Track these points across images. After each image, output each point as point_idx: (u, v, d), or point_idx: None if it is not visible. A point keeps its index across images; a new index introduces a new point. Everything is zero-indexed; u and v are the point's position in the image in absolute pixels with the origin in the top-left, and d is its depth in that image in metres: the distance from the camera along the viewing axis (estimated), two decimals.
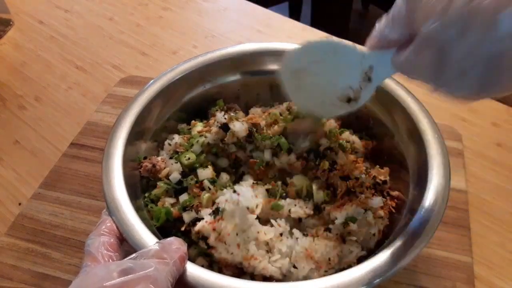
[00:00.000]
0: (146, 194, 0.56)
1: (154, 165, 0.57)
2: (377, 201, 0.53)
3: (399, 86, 0.60)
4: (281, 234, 0.50)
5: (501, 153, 0.73)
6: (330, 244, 0.50)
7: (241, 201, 0.50)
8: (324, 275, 0.44)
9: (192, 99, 0.66)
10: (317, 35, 1.00)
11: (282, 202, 0.53)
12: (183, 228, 0.52)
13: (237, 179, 0.59)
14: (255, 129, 0.60)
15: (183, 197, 0.55)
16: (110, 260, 0.41)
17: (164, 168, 0.58)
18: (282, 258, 0.49)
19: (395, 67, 0.43)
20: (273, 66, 0.68)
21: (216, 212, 0.51)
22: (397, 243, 0.45)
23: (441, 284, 0.56)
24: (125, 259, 0.40)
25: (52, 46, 1.00)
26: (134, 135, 0.57)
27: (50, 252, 0.61)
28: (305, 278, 0.48)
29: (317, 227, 0.52)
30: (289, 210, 0.53)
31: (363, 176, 0.56)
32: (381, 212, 0.53)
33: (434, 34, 0.35)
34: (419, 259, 0.58)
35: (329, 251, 0.49)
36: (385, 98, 0.60)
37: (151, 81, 0.62)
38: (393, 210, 0.54)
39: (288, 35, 1.01)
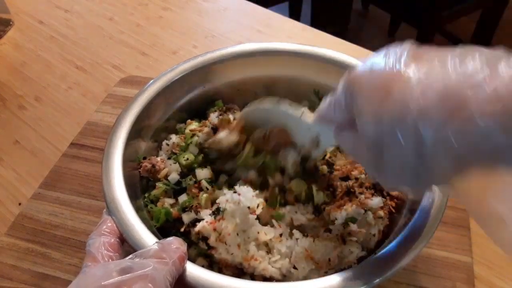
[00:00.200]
0: (146, 194, 0.56)
1: (153, 166, 0.57)
2: (377, 201, 0.53)
3: None
4: (280, 235, 0.50)
5: None
6: (330, 244, 0.50)
7: (242, 201, 0.49)
8: (324, 276, 0.44)
9: (192, 99, 0.66)
10: (317, 35, 1.00)
11: (282, 210, 0.52)
12: (182, 229, 0.52)
13: (235, 179, 0.59)
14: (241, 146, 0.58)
15: (182, 198, 0.55)
16: (110, 260, 0.41)
17: (164, 168, 0.58)
18: (281, 258, 0.49)
19: (337, 142, 0.44)
20: (272, 67, 0.68)
21: (217, 212, 0.51)
22: (397, 243, 0.45)
23: (441, 284, 0.56)
24: (124, 258, 0.40)
25: (52, 46, 1.00)
26: (134, 135, 0.57)
27: (50, 252, 0.61)
28: (305, 278, 0.48)
29: (317, 228, 0.52)
30: (291, 218, 0.52)
31: (363, 176, 0.56)
32: (381, 212, 0.53)
33: (371, 137, 0.35)
34: (419, 259, 0.58)
35: (329, 252, 0.49)
36: None
37: (151, 81, 0.62)
38: (393, 210, 0.54)
39: (288, 35, 1.01)
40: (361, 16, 2.60)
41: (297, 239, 0.50)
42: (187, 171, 0.58)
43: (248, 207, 0.49)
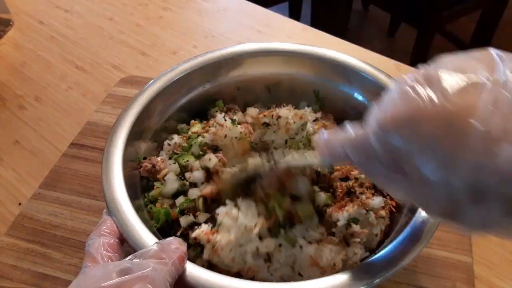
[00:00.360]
0: (146, 195, 0.56)
1: (153, 166, 0.57)
2: (378, 201, 0.53)
3: None
4: (280, 245, 0.50)
5: None
6: (334, 248, 0.49)
7: (240, 218, 0.48)
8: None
9: (192, 99, 0.66)
10: (317, 35, 1.00)
11: (292, 233, 0.51)
12: (178, 233, 0.52)
13: None
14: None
15: (180, 200, 0.55)
16: (109, 261, 0.41)
17: (164, 168, 0.58)
18: (282, 267, 0.49)
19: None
20: (272, 67, 0.68)
21: (214, 222, 0.51)
22: (397, 243, 0.45)
23: (441, 284, 0.56)
24: (124, 259, 0.40)
25: (52, 46, 1.00)
26: (134, 135, 0.57)
27: (50, 252, 0.61)
28: None
29: (322, 233, 0.52)
30: (304, 237, 0.51)
31: (362, 176, 0.56)
32: (383, 212, 0.53)
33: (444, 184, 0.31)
34: (419, 259, 0.58)
35: (334, 256, 0.49)
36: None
37: (151, 81, 0.62)
38: (394, 210, 0.54)
39: (288, 35, 1.01)
40: (361, 16, 2.60)
41: (301, 247, 0.50)
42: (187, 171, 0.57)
43: (245, 226, 0.48)
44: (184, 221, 0.53)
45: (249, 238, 0.48)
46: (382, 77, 0.61)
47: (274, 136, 0.62)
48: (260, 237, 0.49)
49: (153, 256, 0.39)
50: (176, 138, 0.61)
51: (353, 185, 0.54)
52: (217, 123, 0.60)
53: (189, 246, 0.51)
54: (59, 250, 0.61)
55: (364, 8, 2.59)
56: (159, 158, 0.59)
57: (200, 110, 0.67)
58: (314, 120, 0.63)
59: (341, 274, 0.43)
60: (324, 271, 0.48)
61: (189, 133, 0.62)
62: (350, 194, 0.54)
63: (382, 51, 0.93)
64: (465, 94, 0.28)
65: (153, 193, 0.56)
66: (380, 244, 0.51)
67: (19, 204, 0.68)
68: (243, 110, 0.68)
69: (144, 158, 0.59)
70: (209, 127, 0.62)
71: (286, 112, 0.61)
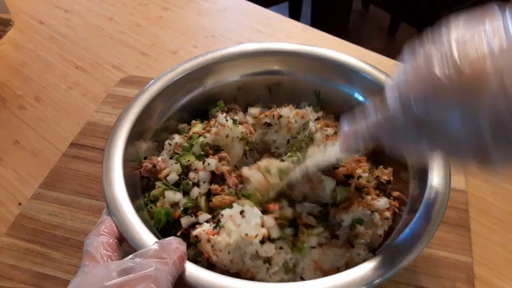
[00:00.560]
0: (146, 194, 0.56)
1: (154, 165, 0.57)
2: (383, 202, 0.52)
3: None
4: (281, 248, 0.50)
5: None
6: (338, 252, 0.49)
7: (243, 226, 0.48)
8: None
9: (192, 99, 0.66)
10: (317, 35, 1.00)
11: (304, 243, 0.50)
12: (179, 234, 0.52)
13: None
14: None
15: (182, 201, 0.55)
16: (109, 260, 0.41)
17: (165, 168, 0.58)
18: (281, 271, 0.49)
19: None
20: (273, 67, 0.68)
21: (216, 223, 0.51)
22: (398, 244, 0.45)
23: (441, 284, 0.56)
24: (125, 259, 0.39)
25: (52, 46, 1.00)
26: (135, 135, 0.57)
27: (50, 252, 0.61)
28: None
29: (325, 236, 0.52)
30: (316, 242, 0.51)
31: (366, 175, 0.56)
32: (387, 213, 0.53)
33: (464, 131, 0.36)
34: (419, 259, 0.58)
35: (338, 260, 0.49)
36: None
37: (152, 81, 0.62)
38: (397, 211, 0.54)
39: (288, 35, 1.01)
40: (361, 16, 2.60)
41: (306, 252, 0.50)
42: (188, 171, 0.57)
43: (246, 234, 0.48)
44: (185, 221, 0.53)
45: (249, 243, 0.48)
46: (382, 77, 0.61)
47: (275, 136, 0.62)
48: (262, 241, 0.49)
49: (154, 256, 0.39)
50: (177, 138, 0.61)
51: (359, 184, 0.54)
52: (218, 123, 0.60)
53: (189, 246, 0.51)
54: (59, 250, 0.61)
55: (364, 8, 2.59)
56: (159, 158, 0.59)
57: (201, 110, 0.67)
58: (315, 119, 0.63)
59: (341, 275, 0.43)
60: (326, 275, 0.48)
61: (190, 133, 0.62)
62: (360, 191, 0.54)
63: (382, 51, 0.93)
64: (475, 61, 0.33)
65: (155, 192, 0.56)
66: (381, 245, 0.51)
67: (19, 204, 0.68)
68: (244, 110, 0.68)
69: (145, 158, 0.59)
70: (211, 127, 0.61)
71: (287, 111, 0.61)
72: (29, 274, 0.58)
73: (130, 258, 0.39)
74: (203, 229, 0.50)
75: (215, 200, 0.54)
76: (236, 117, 0.63)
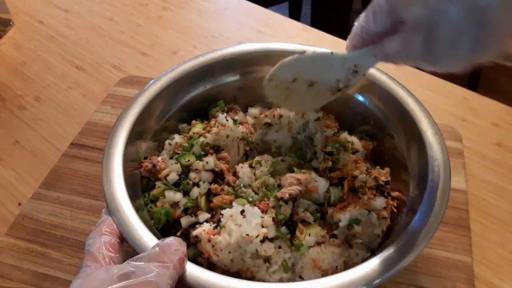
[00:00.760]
0: (146, 194, 0.56)
1: (154, 165, 0.57)
2: (380, 202, 0.53)
3: (399, 87, 0.60)
4: (279, 247, 0.50)
5: (501, 153, 0.73)
6: (336, 251, 0.49)
7: (244, 226, 0.48)
8: None
9: (192, 99, 0.66)
10: (317, 35, 1.00)
11: (302, 241, 0.50)
12: (178, 234, 0.52)
13: None
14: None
15: (183, 200, 0.55)
16: (111, 261, 0.41)
17: (165, 168, 0.58)
18: (280, 269, 0.49)
19: (381, 59, 0.46)
20: (272, 67, 0.68)
21: (217, 223, 0.51)
22: (398, 244, 0.45)
23: (441, 284, 0.56)
24: (126, 262, 0.39)
25: (52, 46, 1.00)
26: (135, 135, 0.57)
27: (50, 252, 0.61)
28: None
29: (324, 236, 0.51)
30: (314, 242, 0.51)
31: (363, 176, 0.56)
32: (385, 213, 0.53)
33: (421, 19, 0.37)
34: (419, 259, 0.58)
35: (336, 259, 0.49)
36: (386, 99, 0.60)
37: (152, 80, 0.62)
38: (395, 210, 0.54)
39: (288, 35, 1.01)
40: None
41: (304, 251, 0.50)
42: (188, 171, 0.57)
43: (247, 234, 0.48)
44: (185, 221, 0.53)
45: (249, 242, 0.48)
46: (383, 78, 0.61)
47: (276, 136, 0.62)
48: (261, 240, 0.49)
49: (154, 259, 0.39)
50: (177, 138, 0.62)
51: (354, 184, 0.54)
52: (219, 123, 0.60)
53: (189, 245, 0.51)
54: (59, 250, 0.61)
55: (364, 8, 2.59)
56: (159, 158, 0.59)
57: (201, 110, 0.67)
58: (315, 120, 0.63)
59: (342, 275, 0.43)
60: (325, 274, 0.48)
61: (191, 133, 0.62)
62: (355, 191, 0.54)
63: None
64: None
65: (155, 192, 0.56)
66: (381, 245, 0.51)
67: (19, 204, 0.68)
68: (244, 110, 0.68)
69: (145, 158, 0.59)
70: (211, 127, 0.62)
71: (287, 111, 0.61)
72: (29, 274, 0.58)
73: (131, 262, 0.39)
74: (203, 229, 0.50)
75: (216, 200, 0.54)
76: (236, 117, 0.63)
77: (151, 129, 0.61)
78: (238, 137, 0.61)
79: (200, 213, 0.53)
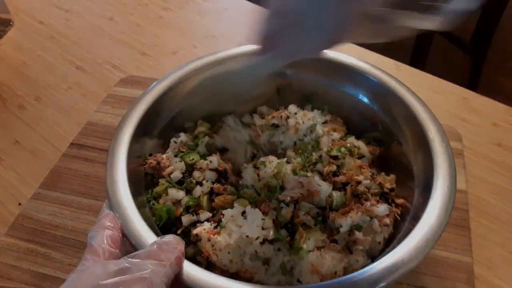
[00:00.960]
0: (149, 191, 0.56)
1: (158, 163, 0.57)
2: (383, 208, 0.52)
3: (408, 92, 0.59)
4: (279, 249, 0.50)
5: (501, 153, 0.73)
6: (336, 256, 0.49)
7: (244, 227, 0.48)
8: None
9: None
10: None
11: (303, 246, 0.50)
12: (179, 232, 0.52)
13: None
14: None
15: (185, 199, 0.55)
16: (110, 257, 0.41)
17: (169, 166, 0.58)
18: (279, 272, 0.49)
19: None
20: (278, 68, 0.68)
21: (218, 222, 0.50)
22: (400, 250, 0.44)
23: (441, 284, 0.56)
24: (122, 258, 0.40)
25: (52, 46, 1.00)
26: (141, 132, 0.57)
27: (50, 252, 0.61)
28: None
29: (323, 239, 0.51)
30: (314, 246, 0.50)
31: (368, 181, 0.55)
32: (387, 220, 0.52)
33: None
34: None
35: (336, 264, 0.49)
36: (394, 105, 0.59)
37: (159, 79, 0.62)
38: (398, 218, 0.53)
39: None
40: None
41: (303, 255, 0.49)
42: (192, 170, 0.58)
43: (247, 236, 0.48)
44: (186, 219, 0.53)
45: (249, 243, 0.48)
46: (392, 83, 0.61)
47: (282, 137, 0.62)
48: (261, 242, 0.49)
49: (151, 257, 0.39)
50: (182, 136, 0.61)
51: (356, 189, 0.54)
52: (226, 124, 0.60)
53: (189, 244, 0.51)
54: (59, 250, 0.61)
55: None
56: (164, 156, 0.59)
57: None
58: (323, 123, 0.63)
59: (345, 278, 0.42)
60: (324, 279, 0.48)
61: (196, 132, 0.62)
62: (357, 196, 0.54)
63: (382, 51, 0.93)
64: None
65: (158, 189, 0.56)
66: (382, 252, 0.51)
67: (19, 204, 0.68)
68: (251, 112, 0.68)
69: (150, 155, 0.59)
70: (218, 127, 0.61)
71: (294, 108, 0.61)
72: (29, 274, 0.58)
73: (128, 258, 0.39)
74: (204, 228, 0.50)
75: (218, 200, 0.54)
76: (243, 119, 0.63)
77: (158, 126, 0.61)
78: (245, 140, 0.61)
79: (201, 212, 0.53)
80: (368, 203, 0.52)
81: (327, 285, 0.42)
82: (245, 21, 1.05)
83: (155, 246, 0.41)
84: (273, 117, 0.63)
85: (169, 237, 0.43)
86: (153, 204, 0.54)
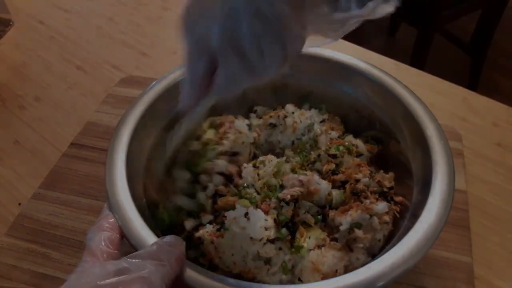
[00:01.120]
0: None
1: None
2: (382, 206, 0.52)
3: (406, 90, 0.59)
4: (280, 248, 0.49)
5: (501, 153, 0.73)
6: (337, 254, 0.49)
7: (248, 228, 0.48)
8: None
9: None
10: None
11: (304, 244, 0.50)
12: (182, 236, 0.52)
13: None
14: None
15: (186, 202, 0.55)
16: (109, 258, 0.41)
17: None
18: (280, 271, 0.49)
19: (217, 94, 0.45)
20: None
21: (220, 225, 0.50)
22: (399, 248, 0.44)
23: (441, 284, 0.56)
24: (122, 259, 0.39)
25: (52, 46, 1.00)
26: (141, 131, 0.57)
27: (50, 252, 0.61)
28: None
29: (323, 238, 0.51)
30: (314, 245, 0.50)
31: (366, 179, 0.55)
32: (387, 218, 0.52)
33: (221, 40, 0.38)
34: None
35: (336, 263, 0.49)
36: (392, 102, 0.59)
37: (158, 79, 0.62)
38: (398, 215, 0.53)
39: None
40: None
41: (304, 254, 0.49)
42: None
43: (251, 237, 0.48)
44: (188, 224, 0.52)
45: (252, 244, 0.48)
46: (390, 81, 0.61)
47: (280, 137, 0.62)
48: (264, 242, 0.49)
49: (151, 257, 0.39)
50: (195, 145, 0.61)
51: (355, 187, 0.54)
52: (236, 129, 0.60)
53: (191, 246, 0.51)
54: (59, 250, 0.61)
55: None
56: None
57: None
58: (320, 122, 0.63)
59: (344, 277, 0.42)
60: (325, 277, 0.48)
61: (204, 139, 0.61)
62: (356, 195, 0.54)
63: (382, 51, 0.93)
64: None
65: None
66: (382, 250, 0.51)
67: (19, 204, 0.68)
68: (247, 112, 0.68)
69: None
70: (224, 134, 0.61)
71: (291, 108, 0.61)
72: (29, 274, 0.58)
73: (127, 258, 0.39)
74: (207, 231, 0.50)
75: (220, 202, 0.54)
76: (246, 121, 0.63)
77: (157, 126, 0.61)
78: (250, 142, 0.61)
79: (203, 215, 0.53)
80: (368, 201, 0.52)
81: (327, 283, 0.42)
82: None
83: (155, 246, 0.41)
84: (271, 116, 0.63)
85: (170, 238, 0.43)
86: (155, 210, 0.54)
